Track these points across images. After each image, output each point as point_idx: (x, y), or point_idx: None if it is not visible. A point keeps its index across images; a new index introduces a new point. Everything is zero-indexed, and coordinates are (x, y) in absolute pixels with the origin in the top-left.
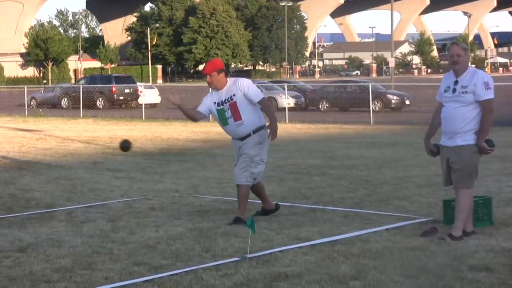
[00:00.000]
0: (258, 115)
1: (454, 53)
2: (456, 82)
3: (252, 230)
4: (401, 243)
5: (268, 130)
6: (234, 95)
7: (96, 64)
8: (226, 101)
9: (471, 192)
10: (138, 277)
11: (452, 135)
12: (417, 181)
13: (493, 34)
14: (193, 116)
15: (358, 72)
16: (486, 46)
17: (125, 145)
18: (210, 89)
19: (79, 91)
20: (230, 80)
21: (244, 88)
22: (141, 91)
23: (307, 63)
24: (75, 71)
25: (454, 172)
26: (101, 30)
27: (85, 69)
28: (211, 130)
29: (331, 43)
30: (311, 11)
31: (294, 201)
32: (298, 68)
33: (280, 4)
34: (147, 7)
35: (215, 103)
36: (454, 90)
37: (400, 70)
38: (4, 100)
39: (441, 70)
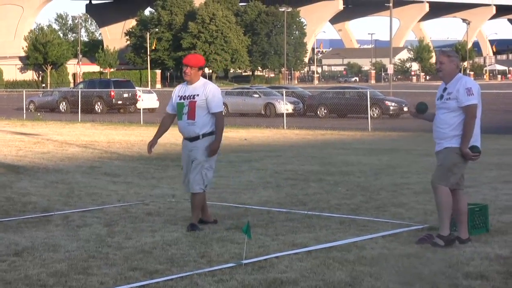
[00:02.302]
0: (211, 122)
1: (438, 60)
2: (444, 89)
3: (248, 236)
4: (397, 250)
5: (209, 147)
6: (197, 95)
7: (95, 68)
8: (188, 97)
9: (447, 191)
10: (134, 282)
11: (439, 141)
12: (414, 188)
13: (492, 42)
14: (164, 128)
15: (357, 79)
16: (485, 53)
17: None
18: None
19: (78, 95)
20: (201, 80)
21: (209, 93)
22: (139, 96)
23: (306, 69)
24: (74, 75)
25: (435, 170)
26: (100, 34)
27: (84, 73)
28: None
29: (330, 49)
30: (311, 17)
31: (291, 207)
32: (297, 74)
33: (280, 10)
34: (147, 11)
35: (178, 96)
36: (441, 97)
37: (399, 76)
38: (3, 104)
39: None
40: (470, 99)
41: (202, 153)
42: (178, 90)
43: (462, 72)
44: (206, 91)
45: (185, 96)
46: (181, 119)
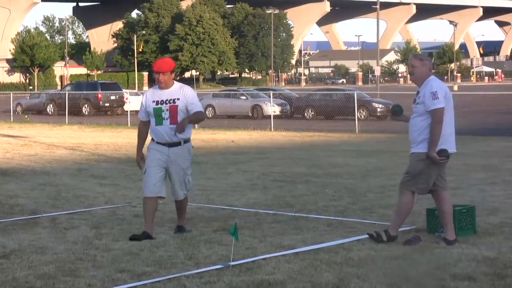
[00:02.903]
0: (190, 127)
1: (410, 64)
2: (418, 93)
3: (235, 238)
4: (384, 252)
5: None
6: (178, 99)
7: (83, 70)
8: (167, 102)
9: (410, 198)
10: (121, 284)
11: (412, 144)
12: None
13: (479, 43)
14: (144, 137)
15: (344, 80)
16: (472, 55)
17: None
18: (149, 88)
19: (65, 98)
20: (176, 83)
21: (188, 97)
22: (127, 98)
23: (293, 71)
24: (61, 77)
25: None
26: (87, 36)
27: (71, 75)
28: (195, 137)
29: (317, 51)
30: (298, 19)
31: (278, 209)
32: (284, 76)
33: (267, 12)
34: (134, 14)
35: (153, 101)
36: (414, 101)
37: (386, 78)
38: None
39: None
40: (435, 103)
41: (185, 159)
42: (151, 95)
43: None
44: (186, 95)
45: (162, 100)
46: (161, 124)
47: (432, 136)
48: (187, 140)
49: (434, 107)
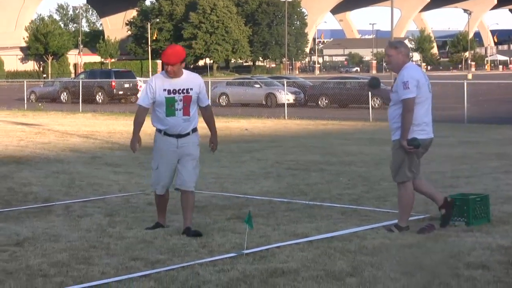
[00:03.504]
0: (196, 115)
1: (386, 53)
2: (395, 80)
3: (249, 226)
4: (398, 240)
5: (211, 143)
6: (191, 89)
7: (96, 58)
8: (180, 91)
9: (409, 187)
10: (135, 272)
11: (391, 132)
12: None
13: (493, 32)
14: (142, 122)
15: (358, 69)
16: (486, 43)
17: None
18: (156, 74)
19: (79, 86)
20: (185, 71)
21: (201, 87)
22: (140, 86)
23: (307, 59)
24: (75, 65)
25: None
26: (101, 24)
27: (85, 63)
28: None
29: (331, 39)
30: (312, 7)
31: (292, 197)
32: (298, 64)
33: (281, 0)
34: (148, 2)
35: (165, 90)
36: (392, 89)
37: None
38: (4, 94)
39: (441, 67)
40: (405, 93)
41: (196, 148)
42: (161, 83)
43: (463, 62)
44: (199, 85)
45: (175, 90)
46: (173, 114)
47: (403, 124)
48: (195, 129)
49: (404, 96)
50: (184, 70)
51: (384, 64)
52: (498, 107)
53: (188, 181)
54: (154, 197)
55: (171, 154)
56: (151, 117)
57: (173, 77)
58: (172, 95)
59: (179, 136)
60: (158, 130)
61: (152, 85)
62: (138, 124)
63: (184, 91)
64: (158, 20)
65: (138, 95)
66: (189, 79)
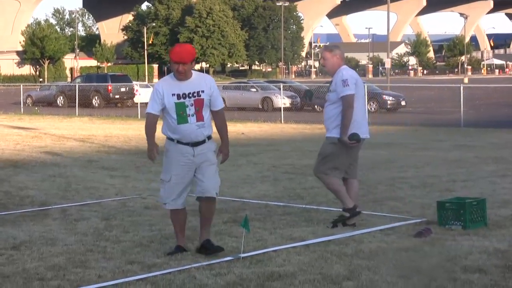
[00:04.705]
0: (210, 122)
1: (321, 56)
2: (331, 82)
3: (246, 229)
4: (395, 244)
5: (220, 153)
6: (202, 91)
7: (93, 62)
8: (191, 95)
9: (328, 178)
10: (132, 276)
11: (326, 131)
12: (411, 182)
13: (489, 36)
14: (154, 132)
15: None
16: (483, 47)
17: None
18: (163, 78)
19: (75, 90)
20: (195, 72)
21: (213, 88)
22: (137, 90)
23: (303, 63)
24: (71, 69)
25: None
26: (97, 28)
27: (81, 67)
28: None
29: (327, 43)
30: (308, 11)
31: (288, 201)
32: (294, 68)
33: (277, 4)
34: (144, 6)
35: (173, 94)
36: (328, 90)
37: (396, 71)
38: (0, 98)
39: (437, 71)
40: (345, 90)
41: (213, 154)
42: (169, 87)
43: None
44: (210, 85)
45: (184, 94)
46: (186, 121)
47: (344, 121)
48: (210, 136)
49: (344, 93)
50: (193, 71)
51: (380, 68)
52: (495, 111)
53: (210, 187)
54: (169, 215)
55: (187, 164)
56: (162, 125)
57: (182, 80)
58: (182, 100)
59: (195, 144)
60: (170, 139)
61: (160, 90)
62: (151, 133)
63: (195, 94)
64: (154, 24)
65: (135, 99)
66: (198, 80)
